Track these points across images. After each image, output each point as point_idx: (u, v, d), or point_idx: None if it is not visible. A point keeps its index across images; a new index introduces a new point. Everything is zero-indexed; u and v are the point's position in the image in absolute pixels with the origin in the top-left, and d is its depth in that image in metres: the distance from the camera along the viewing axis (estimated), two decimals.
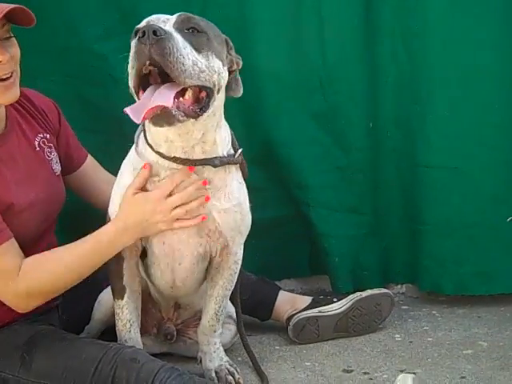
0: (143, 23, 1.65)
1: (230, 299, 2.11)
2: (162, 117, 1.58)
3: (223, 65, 1.71)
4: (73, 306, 2.16)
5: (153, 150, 1.78)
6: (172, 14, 2.51)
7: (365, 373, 2.15)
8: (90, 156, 2.20)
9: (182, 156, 1.76)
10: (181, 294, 2.05)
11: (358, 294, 2.42)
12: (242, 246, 1.98)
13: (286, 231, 2.71)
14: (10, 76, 1.80)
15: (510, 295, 2.67)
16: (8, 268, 1.79)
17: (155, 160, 1.79)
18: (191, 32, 1.64)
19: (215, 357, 2.07)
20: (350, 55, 2.56)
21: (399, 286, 2.84)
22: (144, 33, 1.52)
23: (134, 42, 1.57)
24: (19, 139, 1.95)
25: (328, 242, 2.66)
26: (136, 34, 1.59)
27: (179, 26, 1.63)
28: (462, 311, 2.65)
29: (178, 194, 1.77)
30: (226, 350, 2.13)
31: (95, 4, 2.44)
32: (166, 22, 1.65)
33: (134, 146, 1.86)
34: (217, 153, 1.79)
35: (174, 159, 1.76)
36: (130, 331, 1.95)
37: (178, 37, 1.58)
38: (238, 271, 2.00)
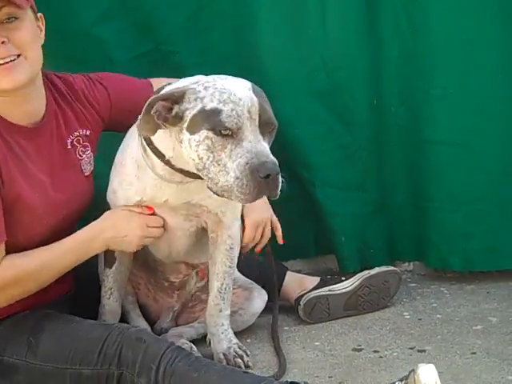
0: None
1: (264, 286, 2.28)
2: None
3: None
4: (86, 299, 2.14)
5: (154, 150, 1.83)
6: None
7: (374, 351, 2.14)
8: (149, 81, 2.16)
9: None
10: (180, 257, 2.15)
11: (367, 272, 2.43)
12: (236, 223, 2.05)
13: (291, 211, 2.67)
14: (10, 61, 1.76)
15: None
16: None
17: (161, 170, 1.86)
18: (267, 134, 1.72)
19: (223, 338, 2.07)
20: (352, 30, 2.52)
21: (406, 264, 2.82)
22: (269, 175, 1.63)
23: (245, 171, 1.63)
24: (52, 135, 1.92)
25: (334, 220, 2.65)
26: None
27: (263, 131, 1.69)
28: (470, 287, 2.63)
29: (157, 218, 1.95)
30: (236, 333, 2.12)
31: None
32: (252, 117, 1.67)
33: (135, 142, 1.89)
34: None
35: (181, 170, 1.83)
36: (109, 298, 2.11)
37: None
38: (234, 247, 2.06)
